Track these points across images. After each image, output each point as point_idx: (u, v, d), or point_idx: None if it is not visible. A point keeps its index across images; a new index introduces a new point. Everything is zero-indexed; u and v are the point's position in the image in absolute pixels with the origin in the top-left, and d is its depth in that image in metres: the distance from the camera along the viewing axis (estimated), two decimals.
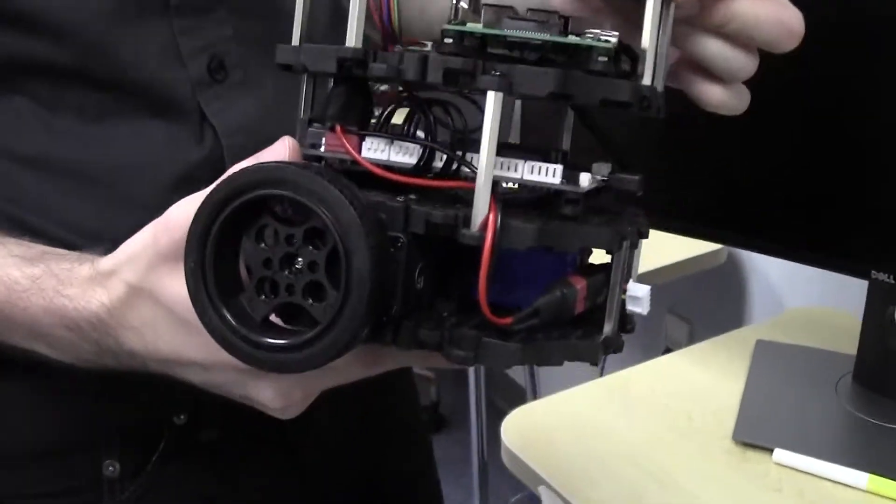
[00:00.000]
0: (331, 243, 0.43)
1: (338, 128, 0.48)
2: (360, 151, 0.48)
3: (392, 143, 0.48)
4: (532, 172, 0.47)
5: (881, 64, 0.80)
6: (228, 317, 0.45)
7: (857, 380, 1.00)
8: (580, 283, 0.47)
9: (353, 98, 0.49)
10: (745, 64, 0.53)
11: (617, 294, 0.48)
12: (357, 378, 0.53)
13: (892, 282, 0.86)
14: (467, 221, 0.44)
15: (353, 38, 0.45)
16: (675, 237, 0.92)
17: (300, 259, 0.44)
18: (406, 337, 0.45)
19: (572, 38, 0.46)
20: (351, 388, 0.54)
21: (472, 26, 0.46)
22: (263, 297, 0.45)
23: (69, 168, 0.69)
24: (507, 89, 0.43)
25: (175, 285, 0.52)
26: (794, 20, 0.52)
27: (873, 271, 0.87)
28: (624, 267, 0.48)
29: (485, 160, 0.43)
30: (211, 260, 0.45)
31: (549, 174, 0.47)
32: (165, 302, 0.53)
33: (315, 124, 0.51)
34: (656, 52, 0.47)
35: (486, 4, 0.52)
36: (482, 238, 0.43)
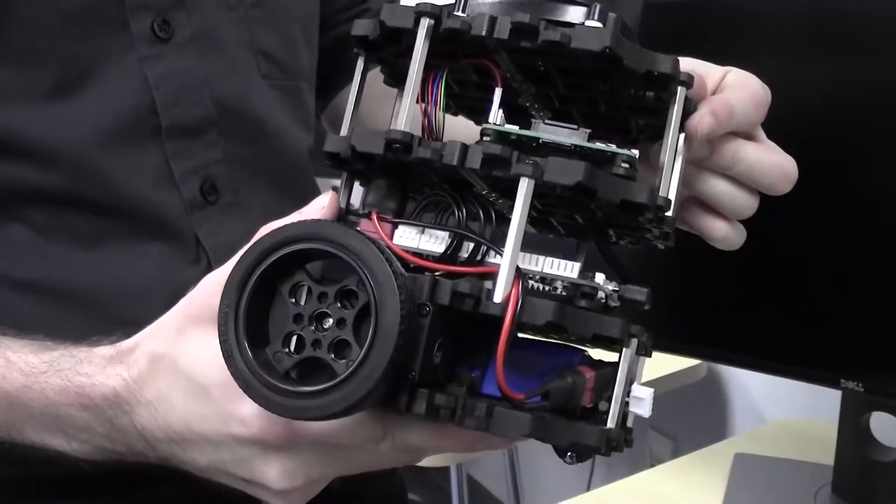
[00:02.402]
0: (362, 301, 0.46)
1: (374, 214, 0.52)
2: (392, 238, 0.52)
3: (423, 231, 0.51)
4: (552, 267, 0.50)
5: (842, 197, 0.87)
6: (253, 361, 0.46)
7: (835, 491, 0.99)
8: (589, 374, 0.50)
9: (391, 191, 0.53)
10: (747, 203, 0.58)
11: (623, 386, 0.50)
12: (363, 467, 0.54)
13: (862, 390, 0.87)
14: (491, 296, 0.47)
15: (401, 122, 0.49)
16: (655, 354, 0.94)
17: (329, 317, 0.47)
18: (420, 402, 0.47)
19: (599, 145, 0.50)
20: None
21: (509, 127, 0.51)
22: (288, 350, 0.47)
23: (64, 292, 0.71)
24: (539, 176, 0.47)
25: (198, 349, 0.54)
26: (790, 166, 0.58)
27: (843, 380, 0.88)
28: (631, 367, 0.50)
29: (513, 237, 0.47)
30: (245, 306, 0.47)
31: (567, 269, 0.50)
32: (185, 366, 0.54)
33: (350, 216, 0.54)
34: (672, 167, 0.51)
35: None
36: (504, 308, 0.46)
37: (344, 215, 0.54)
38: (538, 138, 0.51)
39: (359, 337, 0.46)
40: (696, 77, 0.56)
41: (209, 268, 0.74)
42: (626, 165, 0.50)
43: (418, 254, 0.51)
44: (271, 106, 0.81)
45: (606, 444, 0.49)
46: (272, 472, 0.53)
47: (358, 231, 0.47)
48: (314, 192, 0.86)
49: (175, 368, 0.55)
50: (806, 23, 0.85)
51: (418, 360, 0.47)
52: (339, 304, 0.47)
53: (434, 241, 0.51)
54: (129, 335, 0.59)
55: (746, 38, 0.89)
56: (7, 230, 0.71)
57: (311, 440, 0.52)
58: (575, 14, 0.51)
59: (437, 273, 0.49)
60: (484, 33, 0.49)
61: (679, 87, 0.51)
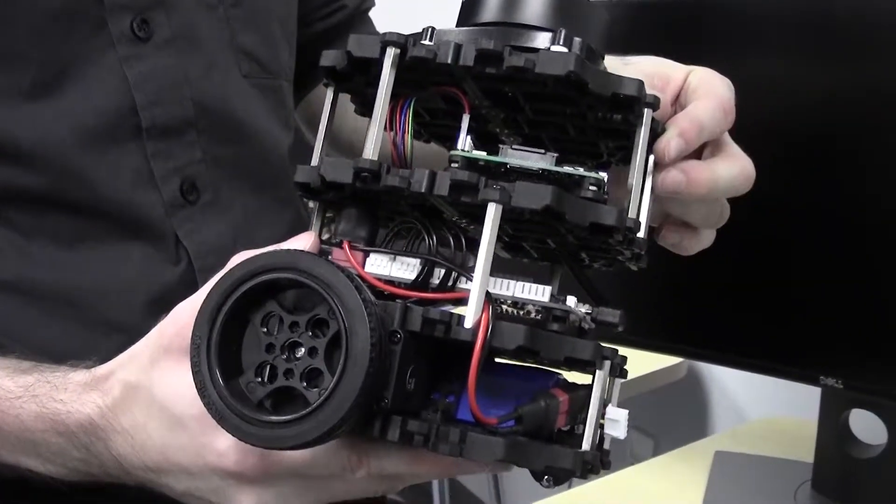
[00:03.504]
0: (333, 329, 0.46)
1: (345, 243, 0.52)
2: (364, 267, 0.52)
3: (394, 259, 0.52)
4: (523, 291, 0.51)
5: (821, 196, 0.87)
6: (226, 392, 0.47)
7: (815, 488, 0.99)
8: (563, 396, 0.50)
9: (362, 220, 0.53)
10: (723, 214, 0.59)
11: (598, 408, 0.50)
12: (339, 496, 0.54)
13: (842, 387, 0.87)
14: (462, 321, 0.47)
15: (370, 151, 0.50)
16: (636, 353, 0.95)
17: (301, 346, 0.47)
18: (394, 429, 0.47)
19: (567, 168, 0.51)
20: None
21: (477, 153, 0.51)
22: (261, 380, 0.47)
23: (45, 292, 0.70)
24: (507, 201, 0.47)
25: (173, 380, 0.54)
26: (751, 169, 0.59)
27: (822, 377, 0.89)
28: (605, 389, 0.51)
29: (482, 263, 0.47)
30: (217, 337, 0.47)
31: (538, 293, 0.50)
32: (160, 397, 0.54)
33: (322, 245, 0.55)
34: (641, 189, 0.52)
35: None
36: (475, 333, 0.46)
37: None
38: (506, 164, 0.51)
39: (331, 365, 0.46)
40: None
41: (189, 268, 0.74)
42: (595, 188, 0.50)
43: (390, 281, 0.51)
44: (252, 105, 0.81)
45: (582, 467, 0.49)
46: (248, 503, 0.53)
47: (328, 260, 0.47)
48: (293, 192, 0.86)
49: (150, 399, 0.55)
50: (802, 22, 0.86)
51: (391, 387, 0.47)
52: (310, 334, 0.47)
53: (406, 269, 0.51)
54: (105, 359, 0.59)
55: (742, 38, 0.90)
56: None
57: (286, 471, 0.52)
58: (541, 40, 0.51)
59: (408, 300, 0.49)
60: (449, 61, 0.49)
61: (645, 110, 0.52)
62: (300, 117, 0.98)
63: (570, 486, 1.13)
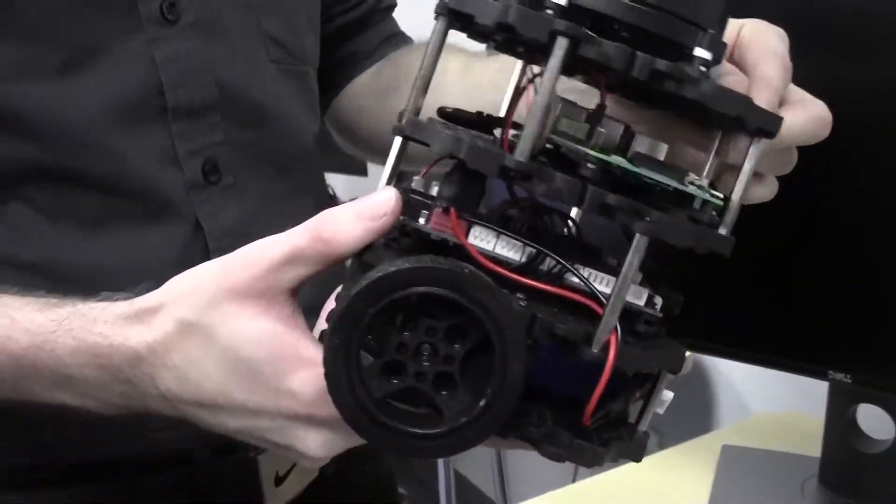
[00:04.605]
0: (472, 340, 0.46)
1: (452, 211, 0.50)
2: (467, 238, 0.51)
3: (499, 236, 0.51)
4: None
5: (829, 188, 0.88)
6: (361, 397, 0.46)
7: (822, 482, 1.00)
8: (637, 391, 0.54)
9: (470, 187, 0.51)
10: (789, 162, 0.61)
11: (656, 402, 0.55)
12: None
13: (850, 381, 0.89)
14: (588, 339, 0.48)
15: (524, 150, 0.47)
16: None
17: (435, 349, 0.47)
18: (512, 431, 0.49)
19: (694, 190, 0.51)
20: None
21: (615, 158, 0.50)
22: (391, 380, 0.47)
23: (66, 274, 0.70)
24: (654, 234, 0.48)
25: (240, 325, 0.52)
26: (825, 112, 0.59)
27: (830, 371, 0.90)
28: None
29: (618, 289, 0.48)
30: (356, 341, 0.46)
31: (636, 296, 0.52)
32: (225, 340, 0.52)
33: (413, 195, 0.52)
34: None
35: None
36: (604, 360, 0.48)
37: (406, 196, 0.52)
38: (640, 174, 0.50)
39: (466, 375, 0.47)
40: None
41: (206, 250, 0.73)
42: (714, 213, 0.51)
43: (495, 259, 0.50)
44: (278, 91, 0.83)
45: (641, 455, 0.54)
46: (314, 443, 0.53)
47: (497, 288, 0.46)
48: (318, 179, 0.90)
49: (210, 338, 0.52)
50: (802, 21, 0.84)
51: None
52: (448, 340, 0.47)
53: (510, 248, 0.51)
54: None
55: None
56: (8, 209, 0.71)
57: None
58: (689, 36, 0.50)
59: (518, 295, 0.49)
60: (622, 68, 0.47)
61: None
62: (331, 125, 0.97)
63: (574, 480, 1.12)
